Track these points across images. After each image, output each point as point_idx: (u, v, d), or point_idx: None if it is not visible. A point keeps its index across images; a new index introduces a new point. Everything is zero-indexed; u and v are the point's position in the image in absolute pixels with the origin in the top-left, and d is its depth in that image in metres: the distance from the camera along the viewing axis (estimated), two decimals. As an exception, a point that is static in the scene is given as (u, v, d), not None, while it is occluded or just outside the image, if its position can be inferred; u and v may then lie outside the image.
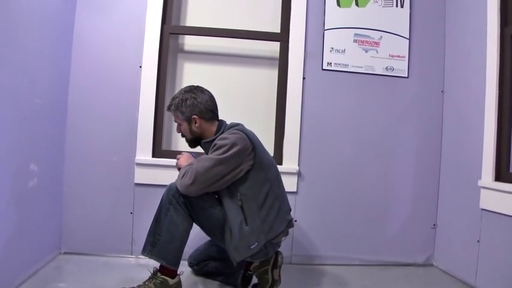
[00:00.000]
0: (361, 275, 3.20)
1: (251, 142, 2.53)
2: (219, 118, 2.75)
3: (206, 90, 2.73)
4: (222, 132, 2.62)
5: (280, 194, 2.63)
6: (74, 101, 3.30)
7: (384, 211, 3.50)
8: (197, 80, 3.43)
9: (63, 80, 3.24)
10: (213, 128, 2.69)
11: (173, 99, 2.68)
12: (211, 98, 2.71)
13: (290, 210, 2.73)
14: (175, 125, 2.74)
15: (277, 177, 2.66)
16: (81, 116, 3.31)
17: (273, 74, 3.56)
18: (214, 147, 2.50)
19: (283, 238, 2.65)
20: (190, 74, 3.60)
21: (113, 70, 3.35)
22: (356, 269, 3.35)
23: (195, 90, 2.68)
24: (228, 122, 2.73)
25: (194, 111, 2.64)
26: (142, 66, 3.35)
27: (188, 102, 2.63)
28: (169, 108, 2.70)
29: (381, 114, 3.49)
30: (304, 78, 3.43)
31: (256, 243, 2.47)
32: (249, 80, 3.61)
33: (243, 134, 2.54)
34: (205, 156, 2.54)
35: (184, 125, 2.68)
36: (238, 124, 2.69)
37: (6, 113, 2.35)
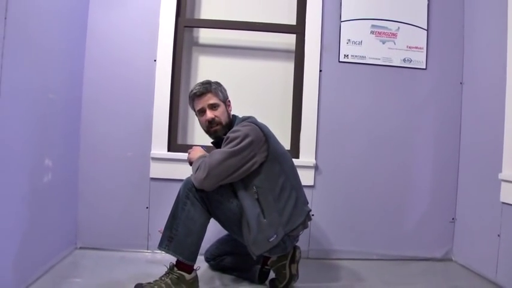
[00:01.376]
0: (379, 270, 3.18)
1: (264, 134, 2.53)
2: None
3: None
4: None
5: (296, 185, 2.63)
6: (88, 97, 3.31)
7: (401, 205, 3.47)
8: (212, 73, 3.48)
9: (77, 76, 3.25)
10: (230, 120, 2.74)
11: (204, 82, 2.71)
12: None
13: (307, 202, 2.72)
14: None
15: (292, 169, 2.66)
16: (95, 111, 3.32)
17: (289, 66, 3.54)
18: (227, 141, 2.50)
19: (301, 231, 2.64)
20: (205, 68, 3.59)
21: (127, 64, 3.35)
22: (374, 264, 3.33)
23: (218, 83, 2.77)
24: (250, 116, 2.72)
25: (227, 96, 2.74)
26: (157, 60, 3.34)
27: (222, 87, 2.74)
28: (207, 89, 2.68)
29: (398, 107, 3.46)
30: (320, 70, 3.41)
31: (275, 236, 2.46)
32: (264, 73, 3.58)
33: (254, 125, 2.55)
34: (218, 149, 2.53)
35: (222, 107, 2.69)
36: (250, 117, 2.69)
37: (20, 108, 2.35)
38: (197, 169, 2.48)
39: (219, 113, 2.68)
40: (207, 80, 2.74)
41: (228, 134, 2.54)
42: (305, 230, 2.72)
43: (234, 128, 2.57)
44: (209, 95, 2.68)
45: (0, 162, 2.15)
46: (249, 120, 2.63)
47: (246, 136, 2.46)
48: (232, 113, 2.79)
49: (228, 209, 2.52)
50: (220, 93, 2.71)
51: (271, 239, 2.46)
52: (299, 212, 2.57)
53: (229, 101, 2.77)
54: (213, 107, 2.67)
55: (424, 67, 3.47)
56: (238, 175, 2.47)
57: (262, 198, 2.48)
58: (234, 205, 2.51)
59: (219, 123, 2.68)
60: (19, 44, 2.30)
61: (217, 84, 2.74)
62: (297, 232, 2.60)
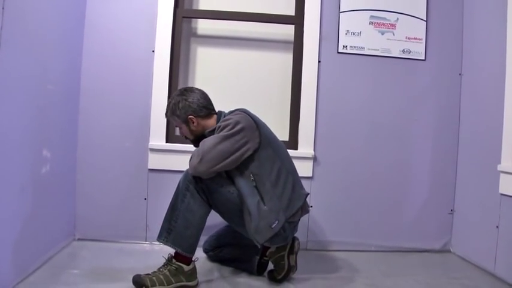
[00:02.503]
0: (378, 261, 3.19)
1: (254, 121, 2.55)
2: (217, 110, 2.78)
3: (196, 89, 2.76)
4: None
5: (292, 170, 2.64)
6: (87, 87, 3.30)
7: (400, 196, 3.48)
8: (210, 64, 3.47)
9: (75, 67, 3.24)
10: (213, 121, 2.72)
11: (168, 105, 2.74)
12: (203, 95, 2.73)
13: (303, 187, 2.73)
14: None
15: (287, 156, 2.68)
16: (93, 102, 3.31)
17: (288, 57, 3.53)
18: (219, 129, 2.52)
19: (301, 216, 2.66)
20: (204, 58, 3.58)
21: (126, 55, 3.34)
22: (372, 255, 3.34)
23: (185, 92, 2.72)
24: (240, 107, 2.72)
25: (188, 112, 2.67)
26: (155, 51, 3.33)
27: (181, 104, 2.67)
28: (166, 115, 2.77)
29: (397, 98, 3.45)
30: (319, 61, 3.40)
31: (277, 222, 2.47)
32: (263, 64, 3.58)
33: (245, 114, 2.58)
34: (210, 136, 2.56)
35: (184, 128, 2.73)
36: (238, 108, 2.70)
37: (18, 99, 2.34)
38: (191, 157, 2.51)
39: (183, 131, 2.76)
40: (169, 101, 2.74)
41: (219, 123, 2.57)
42: (303, 221, 2.74)
43: (225, 118, 2.60)
44: (170, 119, 2.79)
45: (-2, 153, 2.15)
46: (239, 110, 2.65)
47: (237, 123, 2.49)
48: (220, 109, 2.79)
49: (228, 200, 2.53)
50: (176, 118, 2.71)
51: (274, 225, 2.47)
52: (297, 195, 2.59)
53: (191, 118, 2.67)
54: (176, 126, 2.79)
55: (423, 58, 3.46)
56: (232, 161, 2.47)
57: (260, 185, 2.49)
58: (234, 195, 2.52)
59: (186, 137, 2.79)
60: (17, 35, 2.29)
61: (174, 108, 2.69)
62: (297, 217, 2.61)
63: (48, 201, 2.83)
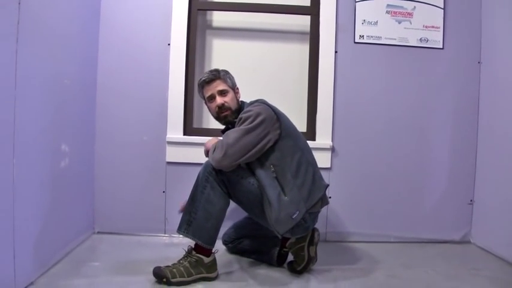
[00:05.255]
0: (397, 252, 3.19)
1: (274, 112, 2.58)
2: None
3: None
4: None
5: (312, 161, 2.66)
6: (103, 82, 3.32)
7: (419, 187, 3.46)
8: (226, 56, 3.48)
9: (91, 61, 3.26)
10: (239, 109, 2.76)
11: (213, 71, 2.76)
12: None
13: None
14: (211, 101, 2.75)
15: (306, 145, 2.71)
16: (110, 96, 3.33)
17: (304, 48, 3.52)
18: (240, 121, 2.55)
19: (321, 207, 2.67)
20: (220, 51, 3.58)
21: (141, 49, 3.35)
22: (392, 246, 3.34)
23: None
24: (259, 98, 2.74)
25: (236, 84, 2.80)
26: (171, 44, 3.34)
27: (230, 74, 2.79)
28: (216, 76, 2.74)
29: (415, 87, 3.43)
30: (336, 52, 3.39)
31: (298, 212, 2.48)
32: (279, 55, 3.57)
33: (265, 105, 2.61)
34: (232, 129, 2.58)
35: (232, 93, 2.75)
36: (258, 99, 2.71)
37: (36, 94, 2.36)
38: (214, 150, 2.51)
39: (229, 99, 2.73)
40: (215, 68, 2.80)
41: (240, 115, 2.59)
42: (322, 213, 2.74)
43: (245, 109, 2.62)
44: (218, 82, 2.73)
45: (18, 148, 2.17)
46: (259, 101, 2.68)
47: (258, 114, 2.51)
48: (241, 99, 2.83)
49: (248, 191, 2.54)
50: (228, 80, 2.76)
51: (294, 216, 2.48)
52: (318, 186, 2.61)
53: (237, 89, 2.82)
54: (222, 93, 2.72)
55: (441, 47, 3.44)
56: (255, 153, 2.50)
57: (281, 176, 2.51)
58: (255, 186, 2.53)
59: (228, 108, 2.72)
60: (33, 30, 2.30)
61: (225, 72, 2.79)
62: (317, 208, 2.62)
63: (67, 195, 2.86)
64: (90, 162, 3.30)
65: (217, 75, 2.74)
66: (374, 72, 3.43)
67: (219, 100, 2.71)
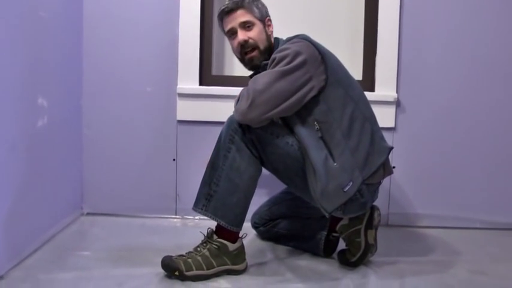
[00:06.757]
0: (484, 242, 3.17)
1: (319, 51, 2.51)
2: None
3: None
4: None
5: (369, 116, 2.60)
6: (92, 14, 3.34)
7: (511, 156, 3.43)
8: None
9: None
10: (271, 47, 2.73)
11: None
12: None
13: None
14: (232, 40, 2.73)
15: (362, 97, 2.64)
16: (101, 32, 3.34)
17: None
18: (273, 62, 2.48)
19: (383, 178, 2.64)
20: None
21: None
22: (477, 234, 3.32)
23: None
24: (300, 33, 2.67)
25: (267, 13, 2.73)
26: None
27: (260, 3, 2.73)
28: (238, 4, 2.67)
29: (505, 25, 3.37)
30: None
31: (351, 183, 2.43)
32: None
33: (307, 41, 2.53)
34: (263, 72, 2.51)
35: (259, 26, 2.69)
36: (298, 35, 2.65)
37: (1, 31, 2.34)
38: (238, 99, 2.49)
39: (254, 34, 2.67)
40: None
41: (273, 55, 2.52)
42: (383, 188, 2.73)
43: (280, 47, 2.56)
44: (241, 12, 2.67)
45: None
46: (299, 36, 2.61)
47: (297, 54, 2.44)
48: (276, 36, 2.78)
49: (286, 154, 2.49)
50: (255, 9, 2.69)
51: (347, 188, 2.42)
52: (377, 149, 2.56)
53: (269, 20, 2.76)
54: (245, 25, 2.67)
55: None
56: (292, 105, 2.44)
57: (328, 136, 2.46)
58: (295, 148, 2.49)
59: (255, 47, 2.68)
60: None
61: None
62: (377, 178, 2.58)
63: (47, 163, 2.88)
64: (77, 120, 3.32)
65: (240, 3, 2.67)
66: (453, 4, 3.36)
67: (241, 36, 2.66)
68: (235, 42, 2.69)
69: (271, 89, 2.39)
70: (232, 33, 2.70)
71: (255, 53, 2.67)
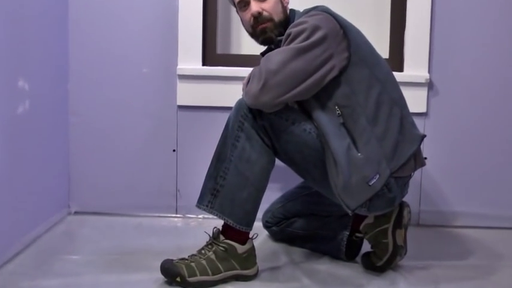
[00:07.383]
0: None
1: (340, 25, 2.48)
2: None
3: None
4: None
5: (399, 100, 2.58)
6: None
7: None
8: None
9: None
10: (287, 21, 2.68)
11: None
12: None
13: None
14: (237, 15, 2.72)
15: (390, 77, 2.62)
16: (89, 7, 3.34)
17: None
18: (289, 38, 2.45)
19: (414, 171, 2.62)
20: None
21: None
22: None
23: None
24: (319, 5, 2.65)
25: None
26: None
27: None
28: None
29: None
30: None
31: (377, 176, 2.40)
32: None
33: (326, 14, 2.50)
34: (277, 49, 2.49)
35: None
36: (317, 6, 2.62)
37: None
38: (248, 80, 2.46)
39: (269, 5, 2.62)
40: None
41: (288, 30, 2.49)
42: (414, 181, 2.71)
43: (297, 21, 2.52)
44: None
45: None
46: (318, 8, 2.58)
47: (315, 28, 2.40)
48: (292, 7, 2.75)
49: (303, 143, 2.47)
50: None
51: (373, 182, 2.39)
52: (408, 137, 2.53)
53: None
54: None
55: None
56: (310, 87, 2.40)
57: (351, 123, 2.43)
58: (313, 136, 2.47)
59: (269, 19, 2.63)
60: None
61: None
62: (408, 171, 2.56)
63: (28, 154, 2.87)
64: (63, 106, 3.32)
65: None
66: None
67: (255, 7, 2.61)
68: (247, 14, 2.64)
69: (286, 69, 2.36)
70: (244, 4, 2.66)
71: (269, 25, 2.62)
